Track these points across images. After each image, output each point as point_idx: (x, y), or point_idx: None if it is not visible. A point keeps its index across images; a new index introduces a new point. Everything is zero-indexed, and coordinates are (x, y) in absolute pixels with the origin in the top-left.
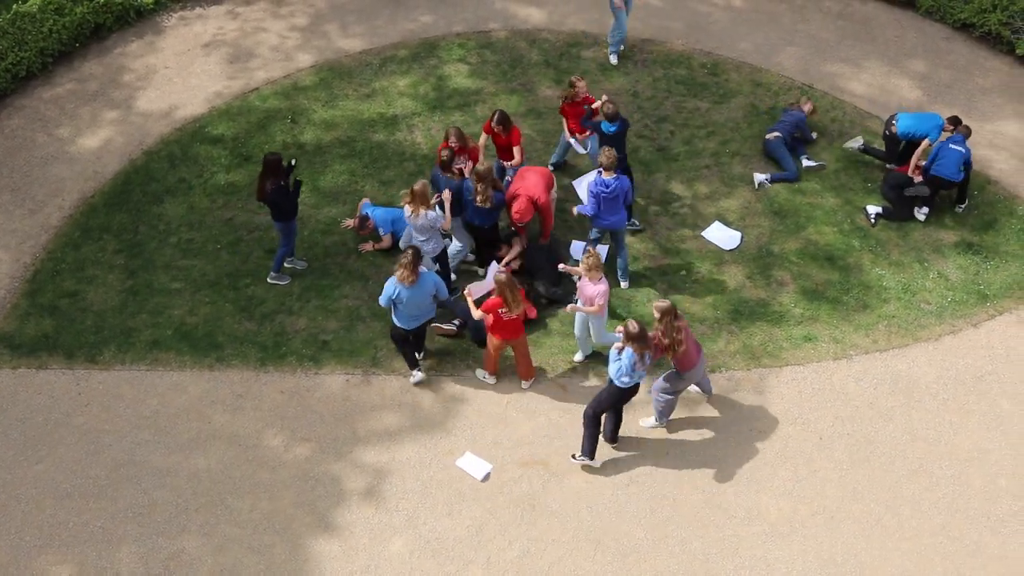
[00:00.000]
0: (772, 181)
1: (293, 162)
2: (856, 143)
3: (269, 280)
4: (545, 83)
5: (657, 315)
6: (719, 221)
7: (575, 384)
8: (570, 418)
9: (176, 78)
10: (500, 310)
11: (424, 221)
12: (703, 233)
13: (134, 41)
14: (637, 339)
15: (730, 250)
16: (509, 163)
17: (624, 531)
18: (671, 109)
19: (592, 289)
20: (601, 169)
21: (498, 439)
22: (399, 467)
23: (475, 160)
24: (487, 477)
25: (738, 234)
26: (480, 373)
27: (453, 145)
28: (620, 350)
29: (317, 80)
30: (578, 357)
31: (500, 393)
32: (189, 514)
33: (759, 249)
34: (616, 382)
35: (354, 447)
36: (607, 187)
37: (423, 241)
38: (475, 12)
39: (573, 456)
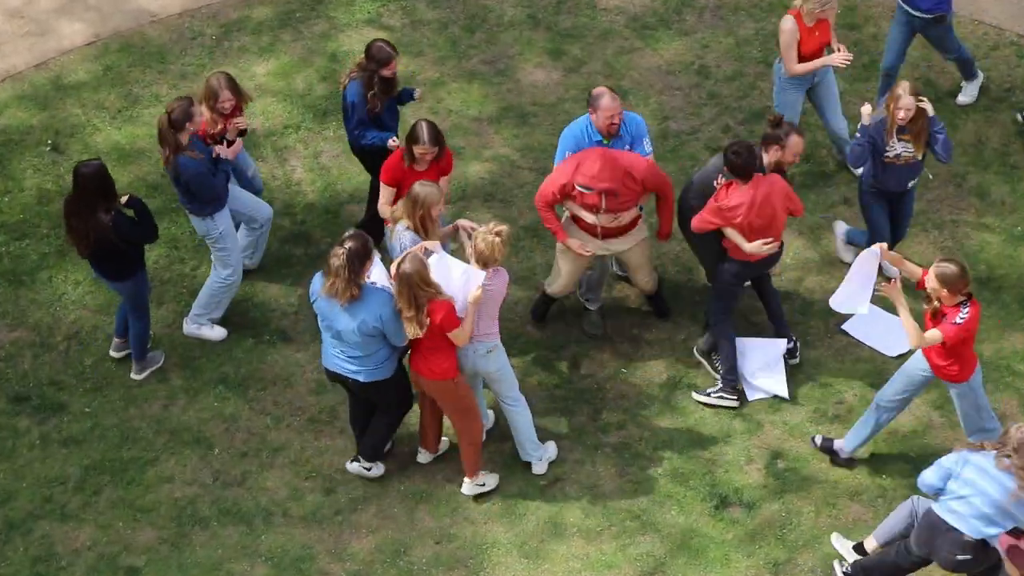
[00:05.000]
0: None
1: (130, 199)
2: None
3: (134, 375)
4: (531, 58)
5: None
6: (871, 303)
7: None
8: None
9: None
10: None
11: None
12: (845, 326)
13: None
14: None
15: (897, 356)
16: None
17: None
18: (772, 95)
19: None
20: None
21: None
22: None
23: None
24: None
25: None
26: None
27: (227, 105)
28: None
29: (99, 69)
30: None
31: None
32: None
33: None
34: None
35: None
36: None
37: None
38: None
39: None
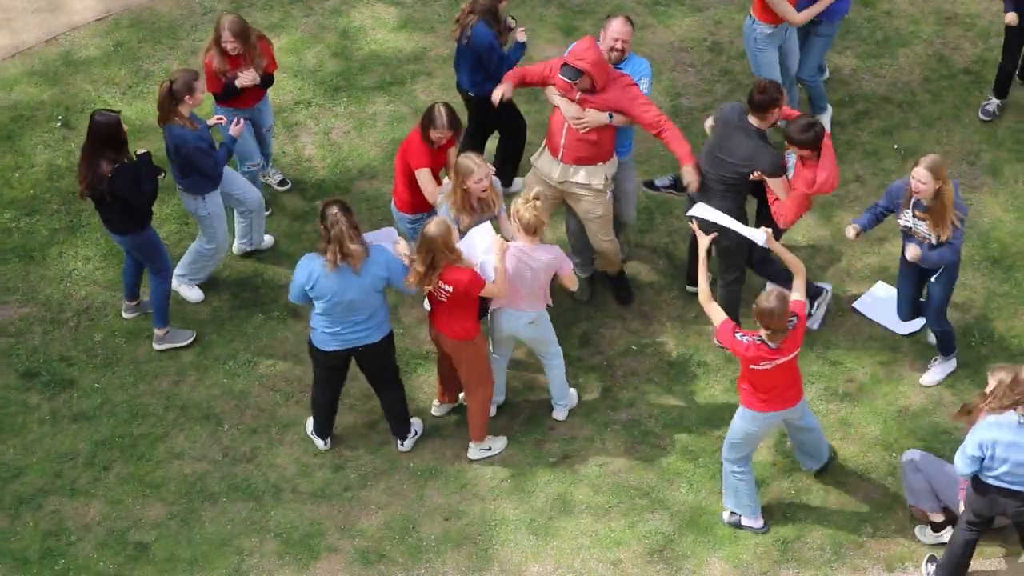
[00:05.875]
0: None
1: (140, 153)
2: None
3: (156, 346)
4: (543, 34)
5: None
6: (884, 281)
7: None
8: None
9: None
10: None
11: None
12: (857, 304)
13: None
14: None
15: (908, 334)
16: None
17: None
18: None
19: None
20: None
21: None
22: None
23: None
24: None
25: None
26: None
27: (229, 47)
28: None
29: (109, 45)
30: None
31: None
32: None
33: (964, 330)
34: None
35: None
36: None
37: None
38: None
39: None
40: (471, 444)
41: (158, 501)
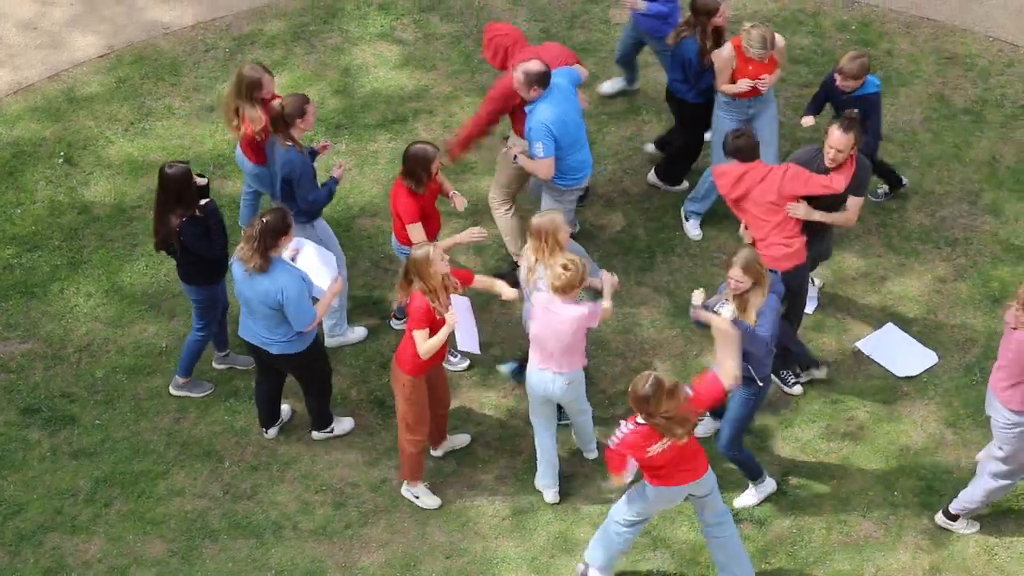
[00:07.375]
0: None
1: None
2: None
3: (173, 391)
4: None
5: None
6: (892, 323)
7: None
8: None
9: None
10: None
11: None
12: (860, 343)
13: None
14: None
15: (912, 376)
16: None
17: None
18: (787, 111)
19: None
20: None
21: None
22: None
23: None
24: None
25: (930, 353)
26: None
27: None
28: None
29: (112, 82)
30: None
31: None
32: None
33: (966, 369)
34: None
35: None
36: None
37: None
38: None
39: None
40: (404, 482)
41: (159, 538)
